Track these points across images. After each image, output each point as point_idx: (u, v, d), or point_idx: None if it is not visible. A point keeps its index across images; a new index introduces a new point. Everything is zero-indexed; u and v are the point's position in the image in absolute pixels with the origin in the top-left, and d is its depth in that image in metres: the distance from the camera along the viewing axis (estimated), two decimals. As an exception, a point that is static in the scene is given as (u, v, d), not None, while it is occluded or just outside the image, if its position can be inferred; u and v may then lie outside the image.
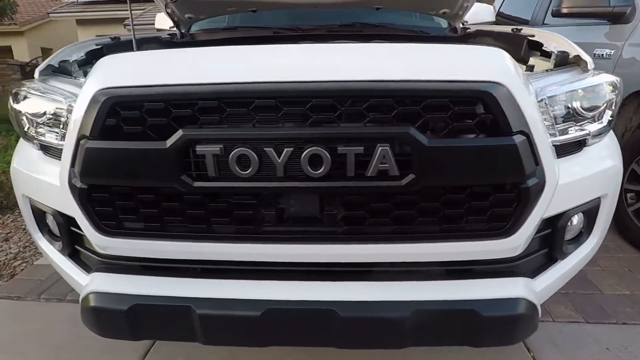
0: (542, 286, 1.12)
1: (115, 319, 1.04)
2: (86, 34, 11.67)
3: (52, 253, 1.27)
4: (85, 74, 1.46)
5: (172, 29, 2.33)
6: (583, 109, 1.10)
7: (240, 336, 1.04)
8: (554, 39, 1.42)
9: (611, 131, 1.22)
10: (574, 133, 1.10)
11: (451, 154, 0.88)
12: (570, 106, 1.09)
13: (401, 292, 1.01)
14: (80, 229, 1.16)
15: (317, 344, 1.05)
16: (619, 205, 2.13)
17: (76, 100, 1.10)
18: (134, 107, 0.90)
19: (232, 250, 1.00)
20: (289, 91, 0.86)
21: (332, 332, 1.01)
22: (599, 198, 1.17)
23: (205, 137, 0.88)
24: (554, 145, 1.03)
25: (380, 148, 0.87)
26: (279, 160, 0.88)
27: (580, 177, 1.10)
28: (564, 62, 1.29)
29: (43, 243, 1.30)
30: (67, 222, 1.18)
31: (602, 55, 2.69)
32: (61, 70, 1.36)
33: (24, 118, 1.24)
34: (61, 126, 1.16)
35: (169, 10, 2.11)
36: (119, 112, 0.91)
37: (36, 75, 1.31)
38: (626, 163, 1.88)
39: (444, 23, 2.43)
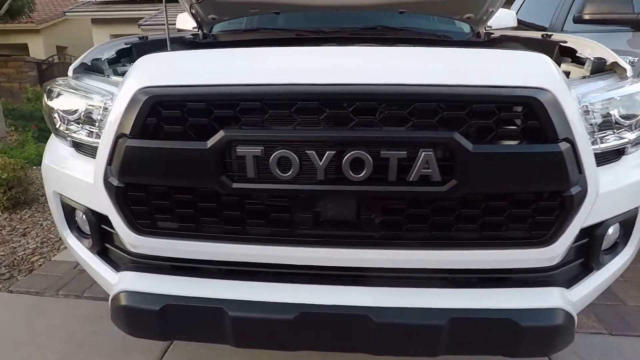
0: (578, 297, 1.09)
1: (146, 318, 1.03)
2: (101, 33, 11.83)
3: (80, 250, 1.27)
4: (116, 73, 1.47)
5: (194, 29, 2.35)
6: (621, 117, 1.08)
7: (272, 339, 1.03)
8: (588, 46, 1.40)
9: None
10: (613, 141, 1.08)
11: (496, 161, 0.87)
12: (609, 114, 1.07)
13: (437, 300, 0.99)
14: (112, 227, 1.16)
15: (349, 350, 1.03)
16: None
17: (112, 99, 1.11)
18: (176, 106, 0.90)
19: (267, 253, 0.99)
20: (332, 94, 0.86)
21: (365, 338, 0.99)
22: (637, 208, 1.15)
23: (247, 138, 0.87)
24: (594, 154, 1.01)
25: (423, 153, 0.85)
26: (320, 163, 0.87)
27: (619, 187, 1.08)
28: (600, 69, 1.27)
29: (71, 240, 1.30)
30: (98, 219, 1.18)
31: (626, 62, 2.65)
32: (93, 69, 1.36)
33: (57, 115, 1.25)
34: (95, 124, 1.16)
35: (193, 11, 2.12)
36: (160, 112, 0.90)
37: (70, 72, 1.32)
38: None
39: (466, 28, 2.41)
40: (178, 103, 0.90)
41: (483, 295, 1.00)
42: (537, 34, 1.76)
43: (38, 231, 2.93)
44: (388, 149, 0.86)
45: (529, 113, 0.86)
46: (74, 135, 1.21)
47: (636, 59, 2.60)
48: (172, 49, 1.93)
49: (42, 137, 5.82)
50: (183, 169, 0.91)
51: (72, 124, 1.22)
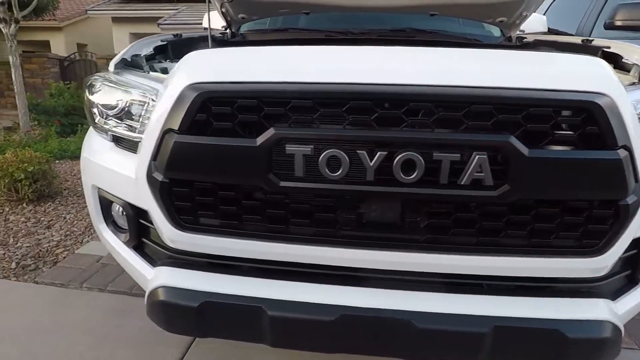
0: (623, 310, 1.06)
1: (184, 315, 1.03)
2: (120, 32, 12.05)
3: (115, 244, 1.28)
4: (152, 69, 1.48)
5: (223, 28, 2.36)
6: None
7: (310, 341, 1.02)
8: (635, 51, 1.36)
9: None
10: None
11: (551, 166, 0.85)
12: None
13: (481, 307, 0.97)
14: (150, 222, 1.16)
15: (389, 354, 1.02)
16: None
17: (156, 94, 1.11)
18: (226, 103, 0.89)
19: (308, 253, 0.98)
20: (386, 94, 0.84)
21: (405, 343, 0.98)
22: None
23: (298, 136, 0.87)
24: None
25: (477, 156, 0.84)
26: (371, 164, 0.85)
27: None
28: None
29: (107, 234, 1.31)
30: (136, 214, 1.18)
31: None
32: (133, 64, 1.38)
33: (98, 109, 1.26)
34: (137, 119, 1.17)
35: (223, 10, 2.13)
36: (209, 108, 0.90)
37: (111, 68, 1.34)
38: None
39: (496, 32, 2.37)
40: (229, 100, 0.89)
41: (528, 303, 0.98)
42: (576, 39, 1.72)
43: (61, 224, 2.97)
44: (441, 151, 0.84)
45: (588, 118, 0.84)
46: (114, 129, 1.22)
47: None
48: (204, 47, 1.95)
49: (64, 132, 5.95)
50: (231, 165, 0.91)
51: (113, 119, 1.23)
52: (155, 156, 0.99)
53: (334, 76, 0.86)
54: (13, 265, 2.38)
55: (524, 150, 0.83)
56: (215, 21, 2.74)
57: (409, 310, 0.96)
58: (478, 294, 0.99)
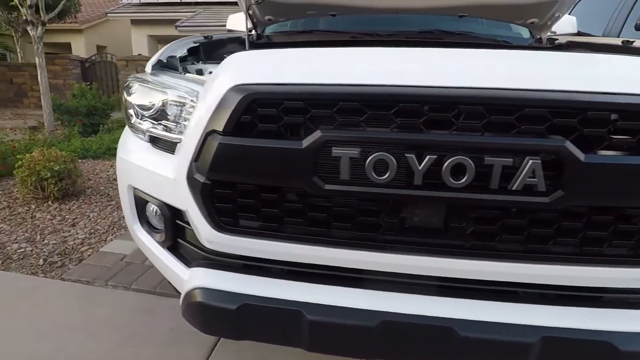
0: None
1: (222, 317, 1.02)
2: (139, 34, 12.27)
3: (150, 244, 1.29)
4: (185, 70, 1.49)
5: (249, 30, 2.37)
6: None
7: (348, 346, 1.00)
8: (684, 54, 1.31)
9: None
10: None
11: (609, 172, 0.81)
12: None
13: (527, 316, 0.93)
14: (186, 222, 1.16)
15: (430, 363, 0.99)
16: None
17: (197, 95, 1.12)
18: (273, 104, 0.89)
19: (349, 257, 0.97)
20: (437, 96, 0.83)
21: (447, 351, 0.95)
22: None
23: (345, 139, 0.85)
24: None
25: (530, 161, 0.81)
26: (420, 168, 0.84)
27: None
28: None
29: (141, 234, 1.32)
30: (173, 214, 1.19)
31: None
32: (169, 66, 1.39)
33: (134, 110, 1.27)
34: (176, 119, 1.17)
35: (250, 12, 2.14)
36: (255, 109, 0.90)
37: (148, 69, 1.35)
38: None
39: (525, 33, 2.33)
40: (275, 101, 0.89)
41: (577, 314, 0.94)
42: (614, 40, 1.67)
43: (85, 222, 3.03)
44: (493, 156, 0.82)
45: None
46: (151, 130, 1.22)
47: None
48: (232, 49, 1.96)
49: (85, 131, 6.07)
50: (275, 168, 0.90)
51: (149, 119, 1.24)
52: (196, 157, 0.99)
53: (384, 78, 0.85)
54: (41, 261, 2.43)
55: (580, 155, 0.80)
56: (237, 23, 2.76)
57: (452, 317, 0.93)
58: (524, 303, 0.96)
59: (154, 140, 1.25)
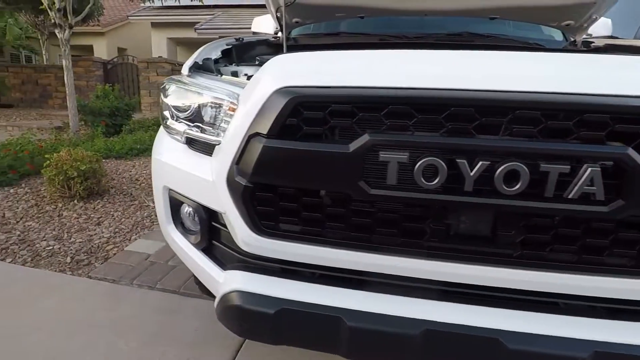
0: None
1: (259, 321, 1.01)
2: (158, 36, 12.50)
3: (184, 245, 1.29)
4: (218, 72, 1.49)
5: (275, 32, 2.38)
6: None
7: (388, 354, 0.98)
8: None
9: None
10: None
11: None
12: None
13: (578, 329, 0.90)
14: (222, 225, 1.16)
15: (474, 375, 0.96)
16: None
17: (236, 97, 1.11)
18: (319, 107, 0.87)
19: (392, 263, 0.95)
20: (490, 100, 0.80)
21: (492, 363, 0.92)
22: None
23: (393, 143, 0.83)
24: None
25: (589, 169, 0.78)
26: (471, 174, 0.81)
27: None
28: None
29: (175, 235, 1.32)
30: (209, 216, 1.19)
31: None
32: (205, 68, 1.39)
33: (169, 111, 1.28)
34: (212, 121, 1.17)
35: (278, 14, 2.14)
36: (301, 112, 0.89)
37: (184, 71, 1.36)
38: None
39: (557, 35, 2.27)
40: (322, 104, 0.87)
41: (632, 328, 0.90)
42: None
43: (110, 221, 3.07)
44: (549, 162, 0.79)
45: None
46: (189, 131, 1.23)
47: None
48: (262, 51, 1.96)
49: (108, 132, 6.20)
50: (321, 171, 0.89)
51: (186, 121, 1.24)
52: (238, 160, 0.98)
53: (434, 81, 0.83)
54: (68, 259, 2.47)
55: None
56: (262, 26, 2.77)
57: (499, 328, 0.90)
58: (574, 315, 0.92)
59: (191, 142, 1.25)
